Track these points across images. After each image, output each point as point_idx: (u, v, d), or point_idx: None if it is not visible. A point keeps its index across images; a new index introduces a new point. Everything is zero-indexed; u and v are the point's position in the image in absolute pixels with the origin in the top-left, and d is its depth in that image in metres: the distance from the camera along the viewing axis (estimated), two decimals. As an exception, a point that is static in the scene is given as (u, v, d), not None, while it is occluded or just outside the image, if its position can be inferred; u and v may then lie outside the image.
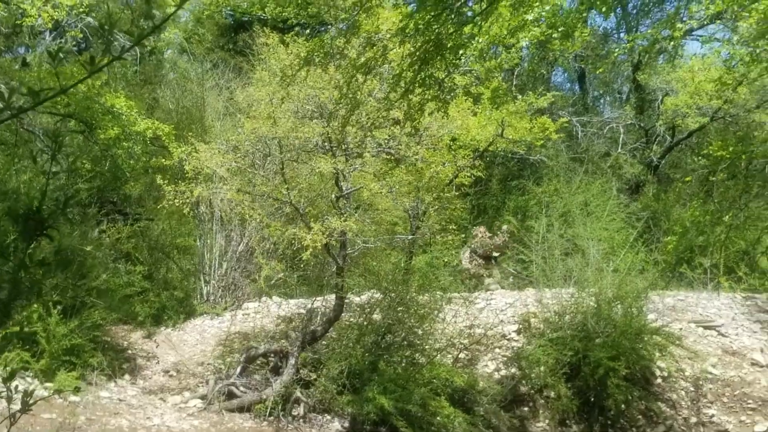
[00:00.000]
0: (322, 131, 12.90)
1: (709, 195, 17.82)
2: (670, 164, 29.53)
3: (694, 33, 23.14)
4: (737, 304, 17.21)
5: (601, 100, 35.35)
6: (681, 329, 15.40)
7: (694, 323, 16.06)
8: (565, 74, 35.56)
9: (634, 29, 29.77)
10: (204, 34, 30.46)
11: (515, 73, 26.81)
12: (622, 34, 31.09)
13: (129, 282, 15.78)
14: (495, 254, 21.21)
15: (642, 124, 28.63)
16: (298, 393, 12.47)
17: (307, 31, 18.94)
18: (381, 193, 14.15)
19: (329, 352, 13.24)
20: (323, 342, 13.76)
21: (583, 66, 30.42)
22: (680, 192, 24.78)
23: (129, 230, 18.91)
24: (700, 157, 25.25)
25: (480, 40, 8.65)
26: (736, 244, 19.99)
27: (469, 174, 17.55)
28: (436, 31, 7.65)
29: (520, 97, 19.55)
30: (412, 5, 18.43)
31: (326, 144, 13.30)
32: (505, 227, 22.02)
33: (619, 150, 27.39)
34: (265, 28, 16.34)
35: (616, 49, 12.27)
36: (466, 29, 7.93)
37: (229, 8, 26.74)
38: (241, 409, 12.39)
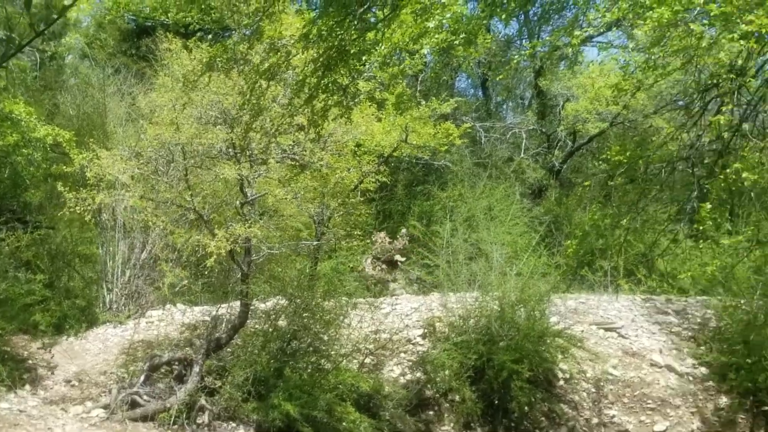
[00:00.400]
0: (225, 137, 12.83)
1: (609, 199, 18.17)
2: (571, 169, 29.98)
3: (593, 40, 23.56)
4: (637, 306, 17.56)
5: (504, 106, 35.73)
6: (582, 331, 15.67)
7: (595, 325, 16.34)
8: (469, 80, 35.85)
9: (536, 36, 30.20)
10: (106, 39, 29.99)
11: (419, 79, 26.95)
12: (524, 41, 31.48)
13: (29, 291, 15.41)
14: (400, 259, 21.28)
15: (544, 130, 29.02)
16: (202, 401, 12.39)
17: (210, 36, 18.78)
18: (286, 199, 14.13)
19: (234, 360, 13.18)
20: (228, 349, 13.68)
21: (485, 72, 30.70)
22: (581, 196, 25.16)
23: (29, 238, 18.50)
24: (600, 162, 25.72)
25: (383, 47, 8.69)
26: (634, 246, 20.36)
27: (374, 179, 17.60)
28: (340, 37, 7.68)
29: (424, 102, 19.68)
30: (315, 11, 18.43)
31: (230, 150, 13.23)
32: (404, 231, 22.10)
33: (522, 155, 27.69)
34: (167, 33, 16.17)
35: (517, 56, 12.43)
36: (370, 35, 7.98)
37: (131, 13, 26.44)
38: (144, 418, 12.26)
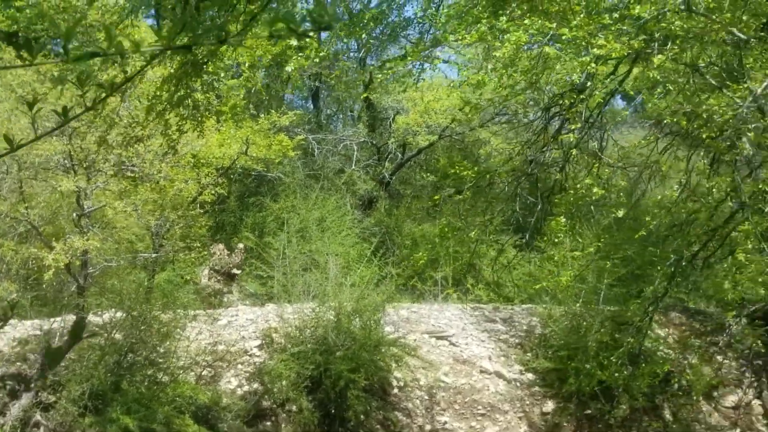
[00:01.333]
0: (63, 149, 12.61)
1: (438, 210, 18.58)
2: (400, 180, 30.28)
3: (440, 59, 23.95)
4: (466, 315, 18.01)
5: (335, 118, 35.78)
6: (415, 340, 15.98)
7: (427, 334, 16.67)
8: (296, 92, 35.72)
9: (369, 51, 30.48)
10: (-77, 44, 28.87)
11: (252, 91, 26.79)
12: (353, 54, 31.67)
13: None
14: (236, 272, 21.21)
15: (374, 142, 29.21)
16: (38, 416, 12.15)
17: (48, 46, 18.27)
18: (126, 211, 13.94)
19: (70, 374, 12.94)
20: (63, 363, 13.43)
21: (317, 84, 30.73)
22: (410, 207, 25.64)
23: None
24: (428, 174, 26.27)
25: (243, 58, 8.76)
26: (464, 257, 20.90)
27: (212, 191, 17.49)
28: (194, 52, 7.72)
29: (261, 115, 19.72)
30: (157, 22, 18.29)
31: (68, 162, 13.00)
32: (241, 245, 22.03)
33: (353, 167, 27.86)
34: (-2, 41, 15.72)
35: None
36: (222, 49, 8.03)
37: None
38: (-23, 436, 11.96)
